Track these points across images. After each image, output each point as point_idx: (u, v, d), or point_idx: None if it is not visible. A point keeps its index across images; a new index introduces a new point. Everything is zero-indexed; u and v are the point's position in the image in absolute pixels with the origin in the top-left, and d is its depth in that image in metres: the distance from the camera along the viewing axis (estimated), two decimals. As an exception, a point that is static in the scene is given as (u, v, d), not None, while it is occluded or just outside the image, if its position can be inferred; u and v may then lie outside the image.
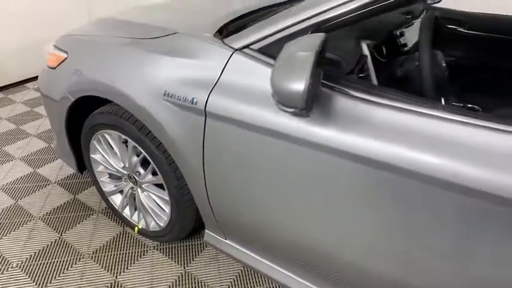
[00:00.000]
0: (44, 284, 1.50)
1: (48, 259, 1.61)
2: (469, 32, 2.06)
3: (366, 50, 1.13)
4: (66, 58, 1.55)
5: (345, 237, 1.01)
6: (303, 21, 0.98)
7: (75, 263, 1.59)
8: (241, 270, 1.56)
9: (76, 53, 1.53)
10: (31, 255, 1.62)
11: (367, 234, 0.96)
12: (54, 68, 1.60)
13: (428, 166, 0.79)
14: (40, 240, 1.70)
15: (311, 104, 0.78)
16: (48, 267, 1.57)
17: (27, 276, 1.53)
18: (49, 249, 1.66)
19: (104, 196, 1.79)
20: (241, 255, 1.38)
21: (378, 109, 0.88)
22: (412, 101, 0.85)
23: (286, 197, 1.07)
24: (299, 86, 0.72)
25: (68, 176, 2.12)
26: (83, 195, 1.98)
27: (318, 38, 0.79)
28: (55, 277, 1.53)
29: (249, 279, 1.53)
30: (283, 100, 0.77)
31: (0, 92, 3.23)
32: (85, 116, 1.56)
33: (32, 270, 1.56)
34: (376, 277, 1.00)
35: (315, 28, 0.96)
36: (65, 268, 1.57)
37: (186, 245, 1.67)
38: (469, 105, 1.64)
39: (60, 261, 1.60)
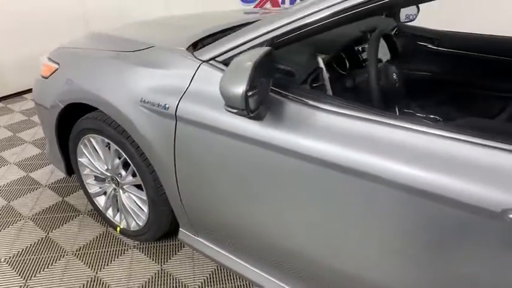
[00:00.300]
0: (29, 278, 1.60)
1: (35, 255, 1.71)
2: (438, 48, 2.21)
3: (321, 63, 1.26)
4: (57, 69, 1.68)
5: (305, 233, 1.11)
6: (260, 36, 1.11)
7: (59, 259, 1.70)
8: (215, 269, 1.66)
9: (66, 64, 1.67)
10: (19, 251, 1.73)
11: (326, 231, 1.07)
12: (46, 78, 1.74)
13: (363, 164, 0.91)
14: (28, 238, 1.81)
15: (254, 106, 0.90)
16: (34, 263, 1.67)
17: (14, 271, 1.63)
18: (36, 246, 1.76)
19: (89, 198, 1.90)
20: (212, 252, 1.48)
21: (323, 114, 1.00)
22: (356, 108, 0.97)
23: (248, 194, 1.18)
24: (238, 90, 0.85)
25: (58, 180, 2.24)
26: (71, 197, 2.10)
27: (261, 51, 0.92)
28: (40, 271, 1.63)
29: (222, 277, 1.63)
30: (227, 102, 0.90)
31: (0, 102, 3.38)
32: (73, 123, 1.69)
33: (18, 265, 1.66)
34: (338, 274, 1.10)
35: (270, 42, 1.09)
36: (49, 264, 1.67)
37: (165, 245, 1.78)
38: (431, 116, 1.76)
39: (46, 257, 1.70)
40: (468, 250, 0.85)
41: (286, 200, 1.10)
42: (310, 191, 1.05)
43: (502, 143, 0.81)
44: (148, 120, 1.32)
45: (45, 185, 2.20)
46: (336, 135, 0.96)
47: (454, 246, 0.88)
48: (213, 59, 1.21)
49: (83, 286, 1.56)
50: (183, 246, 1.77)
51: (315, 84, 1.22)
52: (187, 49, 1.34)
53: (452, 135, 0.85)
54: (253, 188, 1.16)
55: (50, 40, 2.49)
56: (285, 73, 1.18)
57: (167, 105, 1.25)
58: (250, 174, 1.14)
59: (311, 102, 1.03)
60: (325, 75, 1.25)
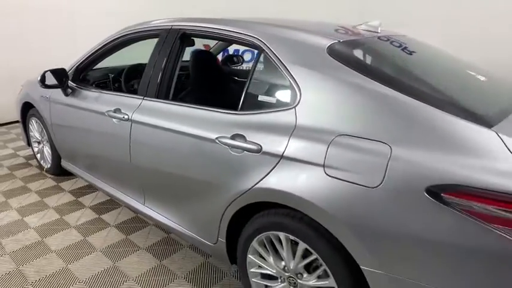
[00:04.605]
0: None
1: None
2: None
3: (110, 77, 2.98)
4: (22, 89, 3.54)
5: (98, 149, 2.70)
6: (74, 65, 2.84)
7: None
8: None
9: (25, 86, 3.52)
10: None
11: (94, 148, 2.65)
12: (18, 94, 3.60)
13: (94, 107, 2.52)
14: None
15: (52, 85, 2.62)
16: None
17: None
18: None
19: (35, 156, 3.65)
20: (78, 171, 3.08)
21: (87, 92, 2.67)
22: (99, 90, 2.62)
23: (71, 130, 2.84)
24: (39, 79, 2.58)
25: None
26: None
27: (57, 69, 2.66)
28: None
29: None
30: (39, 85, 2.63)
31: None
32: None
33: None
34: (105, 159, 2.68)
35: (76, 67, 2.81)
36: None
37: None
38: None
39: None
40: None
41: (84, 128, 2.72)
42: (86, 123, 2.68)
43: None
44: (43, 104, 3.08)
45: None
46: (88, 99, 2.62)
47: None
48: (64, 76, 2.97)
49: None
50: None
51: (102, 85, 2.94)
52: (62, 74, 3.12)
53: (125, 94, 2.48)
54: (73, 127, 2.81)
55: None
56: (85, 80, 2.90)
57: (48, 96, 3.00)
58: (69, 120, 2.81)
59: (85, 89, 2.72)
60: (111, 81, 2.97)
